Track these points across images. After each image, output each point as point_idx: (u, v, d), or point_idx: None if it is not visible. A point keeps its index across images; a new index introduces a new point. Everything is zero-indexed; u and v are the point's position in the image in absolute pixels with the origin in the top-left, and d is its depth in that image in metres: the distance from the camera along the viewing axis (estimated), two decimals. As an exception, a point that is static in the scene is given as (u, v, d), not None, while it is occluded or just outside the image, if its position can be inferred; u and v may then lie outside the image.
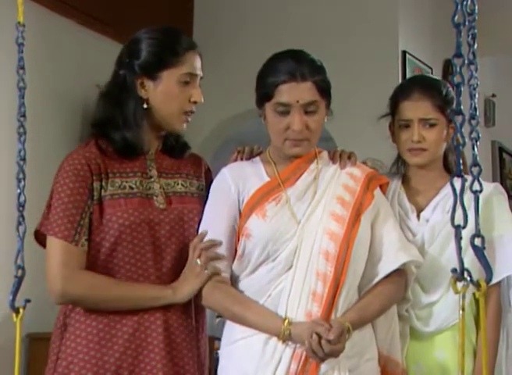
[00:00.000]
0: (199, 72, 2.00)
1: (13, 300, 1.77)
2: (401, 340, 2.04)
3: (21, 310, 1.78)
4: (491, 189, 2.12)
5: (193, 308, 1.99)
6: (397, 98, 2.18)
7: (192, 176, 2.07)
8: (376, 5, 4.61)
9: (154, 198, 1.97)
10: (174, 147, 2.07)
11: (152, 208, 1.95)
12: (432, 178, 2.17)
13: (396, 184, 2.19)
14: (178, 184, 2.03)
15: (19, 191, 1.79)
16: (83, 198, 1.89)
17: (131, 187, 1.95)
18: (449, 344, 2.03)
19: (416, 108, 2.12)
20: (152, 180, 1.99)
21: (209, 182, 2.09)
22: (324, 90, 1.94)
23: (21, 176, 1.81)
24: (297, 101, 1.89)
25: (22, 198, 1.79)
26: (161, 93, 1.96)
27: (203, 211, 2.00)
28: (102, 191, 1.92)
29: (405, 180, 2.22)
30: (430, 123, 2.11)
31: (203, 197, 2.04)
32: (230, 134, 5.21)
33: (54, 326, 1.97)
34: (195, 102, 1.99)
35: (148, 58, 1.96)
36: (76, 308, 1.92)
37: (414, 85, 2.17)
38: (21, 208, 1.79)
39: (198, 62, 2.01)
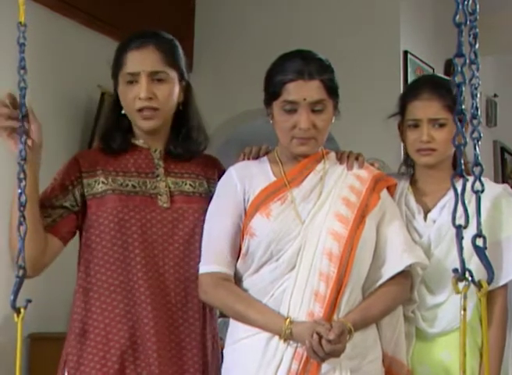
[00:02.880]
0: (140, 68, 1.95)
1: (14, 300, 1.77)
2: (407, 341, 2.03)
3: (22, 310, 1.77)
4: (500, 190, 2.11)
5: (195, 305, 1.98)
6: (406, 97, 2.17)
7: (202, 178, 2.07)
8: (377, 5, 4.61)
9: (159, 197, 1.98)
10: (181, 153, 2.06)
11: (155, 206, 1.96)
12: (440, 179, 2.14)
13: (403, 185, 2.18)
14: (186, 184, 2.04)
15: (20, 190, 1.79)
16: (55, 194, 1.95)
17: (133, 186, 1.97)
18: (455, 345, 2.00)
19: (425, 108, 2.10)
20: (159, 179, 2.01)
21: None
22: (331, 89, 1.94)
23: (22, 176, 1.82)
24: (304, 99, 1.89)
25: (23, 198, 1.79)
26: (120, 96, 2.01)
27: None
28: (103, 185, 1.96)
29: (413, 181, 2.21)
30: (439, 123, 2.09)
31: (212, 198, 2.03)
32: (231, 135, 5.22)
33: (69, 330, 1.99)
34: (148, 98, 1.95)
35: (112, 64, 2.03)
36: (91, 313, 1.93)
37: (424, 85, 2.15)
38: (22, 208, 1.79)
39: (142, 59, 1.97)
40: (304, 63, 1.91)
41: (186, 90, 2.08)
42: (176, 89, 2.02)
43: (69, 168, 2.00)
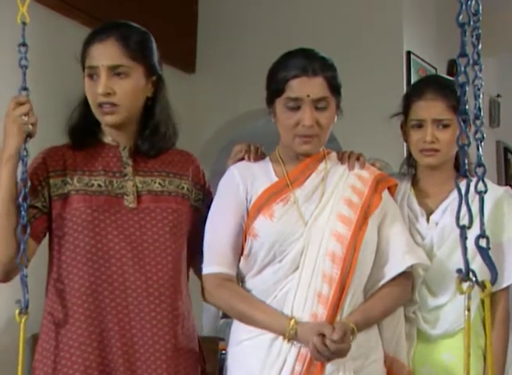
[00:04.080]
0: (99, 62, 1.90)
1: (25, 300, 1.75)
2: (408, 342, 2.02)
3: (24, 313, 1.76)
4: (501, 192, 2.09)
5: (164, 303, 1.92)
6: (410, 97, 2.15)
7: (173, 175, 2.02)
8: (380, 6, 4.60)
9: (125, 197, 1.94)
10: (148, 149, 2.00)
11: (120, 206, 1.92)
12: (442, 180, 2.13)
13: (406, 186, 2.17)
14: (155, 183, 1.98)
15: (21, 191, 1.79)
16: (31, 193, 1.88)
17: (99, 185, 1.93)
18: (458, 346, 2.00)
19: (430, 108, 2.09)
20: (126, 178, 1.96)
21: (199, 180, 2.07)
22: (334, 87, 1.93)
23: (23, 176, 1.81)
24: (308, 96, 1.88)
25: (27, 200, 1.79)
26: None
27: (181, 210, 1.98)
28: (68, 185, 1.92)
29: (415, 182, 2.19)
30: (443, 123, 2.08)
31: (183, 195, 2.00)
32: (233, 136, 5.21)
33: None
34: (106, 94, 1.90)
35: None
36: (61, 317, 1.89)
37: (428, 85, 2.14)
38: (24, 208, 1.78)
39: (102, 52, 1.92)
40: (308, 60, 1.91)
41: (157, 84, 2.01)
42: (140, 84, 1.94)
43: (37, 168, 1.94)
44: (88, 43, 1.95)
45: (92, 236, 1.88)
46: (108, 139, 2.01)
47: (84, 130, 1.99)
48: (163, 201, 1.97)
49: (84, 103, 1.99)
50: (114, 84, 1.90)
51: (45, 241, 1.97)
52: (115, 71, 1.90)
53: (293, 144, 1.94)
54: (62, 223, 1.91)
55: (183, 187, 2.02)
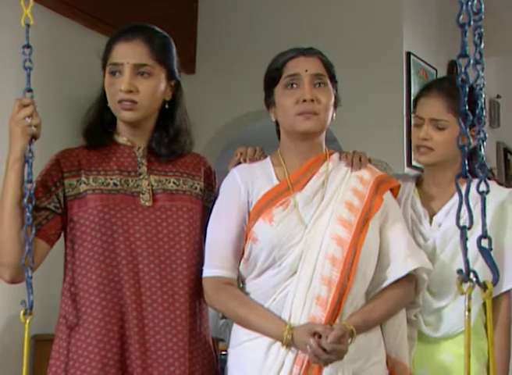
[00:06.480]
0: (124, 60, 1.93)
1: (30, 301, 1.75)
2: (408, 344, 2.01)
3: (29, 314, 1.76)
4: (506, 195, 2.08)
5: (182, 304, 1.94)
6: (419, 93, 2.19)
7: (187, 175, 2.04)
8: (381, 7, 4.61)
9: (141, 195, 1.96)
10: (165, 155, 2.03)
11: (136, 205, 1.94)
12: (446, 182, 2.12)
13: (410, 187, 2.17)
14: (170, 182, 2.01)
15: (26, 192, 1.79)
16: (38, 196, 1.89)
17: (115, 184, 1.95)
18: (457, 347, 2.00)
19: (429, 107, 2.10)
20: (141, 177, 1.98)
21: (211, 181, 2.09)
22: (330, 72, 1.97)
23: (28, 177, 1.82)
24: (306, 71, 1.92)
25: (32, 202, 1.79)
26: (105, 87, 1.99)
27: (195, 209, 1.99)
28: (83, 185, 1.94)
29: (419, 183, 2.19)
30: (439, 125, 2.08)
31: (197, 195, 2.03)
32: (234, 136, 5.22)
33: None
34: (128, 91, 1.92)
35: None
36: (79, 315, 1.90)
37: (433, 85, 2.16)
38: (30, 210, 1.79)
39: (128, 50, 1.94)
40: (303, 47, 1.98)
41: (176, 89, 2.04)
42: (162, 86, 1.98)
43: (51, 169, 1.96)
44: (113, 41, 1.97)
45: (110, 234, 1.90)
46: (122, 140, 2.03)
47: (100, 128, 2.01)
48: (178, 200, 1.99)
49: (101, 100, 2.01)
50: (137, 83, 1.93)
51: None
52: (138, 70, 1.93)
53: (294, 123, 1.93)
54: (78, 223, 1.92)
55: (196, 188, 2.04)
